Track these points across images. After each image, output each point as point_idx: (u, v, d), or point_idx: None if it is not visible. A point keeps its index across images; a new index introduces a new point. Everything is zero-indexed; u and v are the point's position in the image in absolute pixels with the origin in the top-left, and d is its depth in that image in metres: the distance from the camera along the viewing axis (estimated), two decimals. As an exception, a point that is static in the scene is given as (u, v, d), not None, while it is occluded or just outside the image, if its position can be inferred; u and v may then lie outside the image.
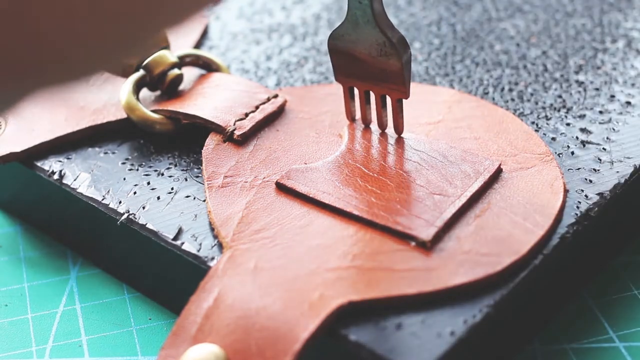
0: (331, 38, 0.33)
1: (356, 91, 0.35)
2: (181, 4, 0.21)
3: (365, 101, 0.34)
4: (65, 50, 0.19)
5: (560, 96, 0.37)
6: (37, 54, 0.19)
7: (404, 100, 0.33)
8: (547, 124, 0.35)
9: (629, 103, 0.36)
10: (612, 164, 0.33)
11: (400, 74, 0.32)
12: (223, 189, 0.32)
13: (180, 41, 0.40)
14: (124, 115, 0.36)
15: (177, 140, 0.36)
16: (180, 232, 0.32)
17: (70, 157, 0.35)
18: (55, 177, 0.34)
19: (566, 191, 0.32)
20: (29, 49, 0.19)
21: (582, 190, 0.32)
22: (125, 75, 0.36)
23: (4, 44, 0.18)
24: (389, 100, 0.34)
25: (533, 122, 0.35)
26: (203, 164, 0.34)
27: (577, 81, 0.38)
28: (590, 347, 0.31)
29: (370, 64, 0.33)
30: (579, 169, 0.33)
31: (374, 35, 0.32)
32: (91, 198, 0.33)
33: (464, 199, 0.31)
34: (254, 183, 0.33)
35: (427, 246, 0.30)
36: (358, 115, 0.35)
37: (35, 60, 0.19)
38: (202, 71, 0.38)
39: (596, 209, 0.32)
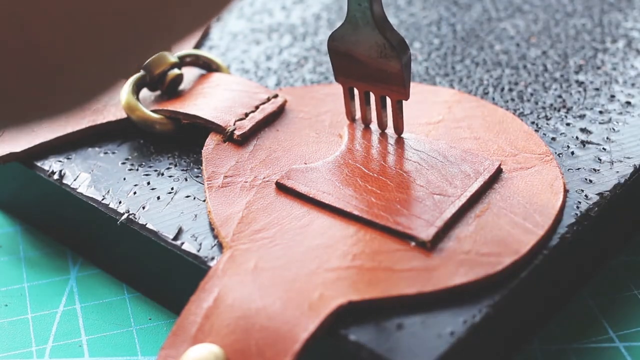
0: (331, 39, 0.33)
1: (356, 92, 0.35)
2: (189, 19, 0.21)
3: (365, 102, 0.34)
4: (71, 71, 0.19)
5: (560, 96, 0.37)
6: (45, 79, 0.19)
7: (404, 101, 0.33)
8: (547, 124, 0.35)
9: (629, 103, 0.36)
10: (612, 164, 0.33)
11: (400, 76, 0.32)
12: (223, 189, 0.32)
13: (180, 41, 0.40)
14: (124, 115, 0.36)
15: (177, 140, 0.36)
16: (180, 232, 0.31)
17: (70, 157, 0.35)
18: (55, 177, 0.34)
19: (566, 191, 0.32)
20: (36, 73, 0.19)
21: (582, 190, 0.32)
22: (126, 76, 0.36)
23: (11, 69, 0.18)
24: (388, 101, 0.34)
25: (533, 122, 0.35)
26: (203, 164, 0.34)
27: (577, 81, 0.38)
28: (590, 347, 0.31)
29: (370, 65, 0.33)
30: (579, 169, 0.33)
31: (373, 37, 0.32)
32: (91, 198, 0.33)
33: (464, 199, 0.31)
34: (254, 183, 0.33)
35: (427, 246, 0.30)
36: (358, 115, 0.35)
37: (44, 85, 0.19)
38: (202, 71, 0.38)
39: (596, 209, 0.32)
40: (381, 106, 0.34)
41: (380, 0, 0.32)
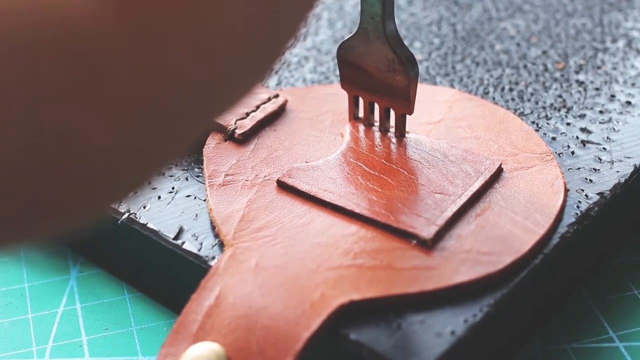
0: (340, 48, 0.33)
1: (361, 101, 0.35)
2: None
3: (370, 111, 0.34)
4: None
5: (560, 96, 0.37)
6: None
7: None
8: (548, 123, 0.35)
9: (629, 103, 0.36)
10: (612, 163, 0.33)
11: (406, 91, 0.32)
12: (224, 187, 0.32)
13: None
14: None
15: (177, 140, 0.36)
16: (181, 231, 0.31)
17: (70, 156, 0.35)
18: (56, 176, 0.34)
19: (566, 191, 0.32)
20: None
21: (583, 190, 0.32)
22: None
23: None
24: (392, 112, 0.34)
25: (533, 122, 0.35)
26: (204, 163, 0.34)
27: (577, 81, 0.38)
28: (590, 347, 0.31)
29: (378, 78, 0.33)
30: (579, 168, 0.33)
31: (383, 51, 0.32)
32: (92, 197, 0.33)
33: (464, 198, 0.31)
34: (255, 181, 0.33)
35: (428, 245, 0.30)
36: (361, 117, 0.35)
37: None
38: (203, 71, 0.38)
39: (596, 208, 0.32)
40: (385, 117, 0.34)
41: (393, 17, 0.32)
